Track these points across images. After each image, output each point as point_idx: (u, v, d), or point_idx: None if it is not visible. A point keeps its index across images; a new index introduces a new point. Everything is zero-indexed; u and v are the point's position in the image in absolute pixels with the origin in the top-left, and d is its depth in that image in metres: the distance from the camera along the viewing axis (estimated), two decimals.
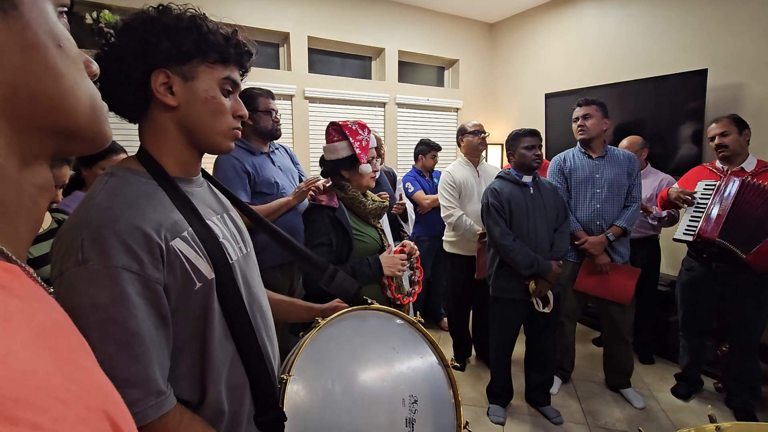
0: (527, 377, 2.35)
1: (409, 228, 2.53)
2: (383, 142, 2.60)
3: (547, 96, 3.86)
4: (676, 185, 2.37)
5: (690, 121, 2.97)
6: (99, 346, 0.53)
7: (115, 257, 0.56)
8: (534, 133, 2.11)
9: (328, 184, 1.55)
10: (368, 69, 4.15)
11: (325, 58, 3.87)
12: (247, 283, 0.74)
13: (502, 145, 4.52)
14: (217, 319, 0.66)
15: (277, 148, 2.17)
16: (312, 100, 3.58)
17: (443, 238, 2.78)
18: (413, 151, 3.25)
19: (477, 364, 2.83)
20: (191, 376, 0.65)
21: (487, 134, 2.63)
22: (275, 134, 2.04)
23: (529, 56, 4.27)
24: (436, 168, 3.25)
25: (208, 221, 0.69)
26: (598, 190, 2.30)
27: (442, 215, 2.62)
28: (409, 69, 4.33)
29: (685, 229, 2.21)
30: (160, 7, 0.66)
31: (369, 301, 1.00)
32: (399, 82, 4.06)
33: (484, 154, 4.46)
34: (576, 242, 2.32)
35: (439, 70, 4.62)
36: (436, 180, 3.06)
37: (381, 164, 2.56)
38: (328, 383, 0.84)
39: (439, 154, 3.22)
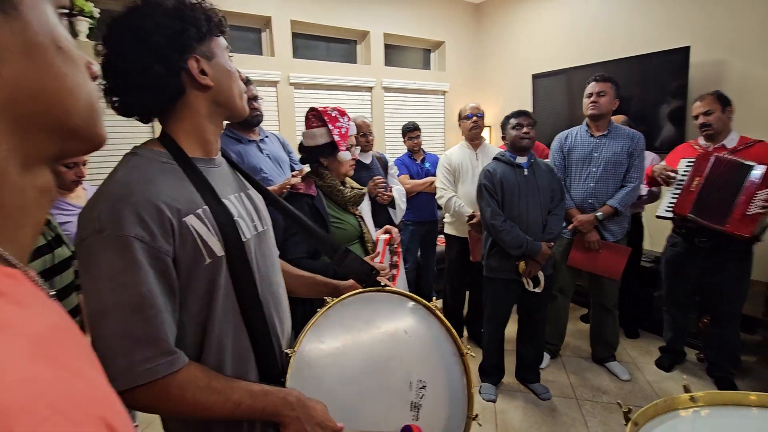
0: (518, 355, 2.41)
1: (396, 217, 2.54)
2: (371, 128, 2.58)
3: (534, 77, 3.86)
4: (663, 162, 2.40)
5: (674, 99, 2.99)
6: (114, 308, 0.59)
7: (128, 227, 0.60)
8: (521, 114, 2.12)
9: (303, 173, 1.54)
10: (353, 53, 4.09)
11: (309, 43, 3.80)
12: (259, 260, 0.77)
13: (489, 127, 4.53)
14: (222, 293, 0.69)
15: (267, 136, 2.16)
16: (297, 86, 3.53)
17: (444, 219, 2.81)
18: None
19: (468, 345, 2.87)
20: (194, 343, 0.69)
21: (477, 117, 2.60)
22: (253, 121, 2.02)
23: (516, 37, 4.25)
24: (428, 151, 3.26)
25: (224, 200, 0.73)
26: (594, 169, 2.32)
27: (436, 196, 2.70)
28: (394, 52, 4.28)
29: (667, 207, 2.25)
30: None
31: (383, 283, 0.99)
32: (385, 65, 4.02)
33: (485, 135, 4.49)
34: (568, 221, 2.36)
35: (425, 52, 4.58)
36: (427, 164, 3.06)
37: (359, 150, 2.56)
38: (332, 361, 0.85)
39: (426, 137, 3.22)
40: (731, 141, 2.19)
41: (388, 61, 4.12)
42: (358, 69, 3.89)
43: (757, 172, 1.98)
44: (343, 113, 1.41)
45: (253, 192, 0.87)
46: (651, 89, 3.11)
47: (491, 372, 2.37)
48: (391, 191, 2.53)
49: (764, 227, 2.03)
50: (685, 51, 2.87)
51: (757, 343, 2.69)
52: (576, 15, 3.70)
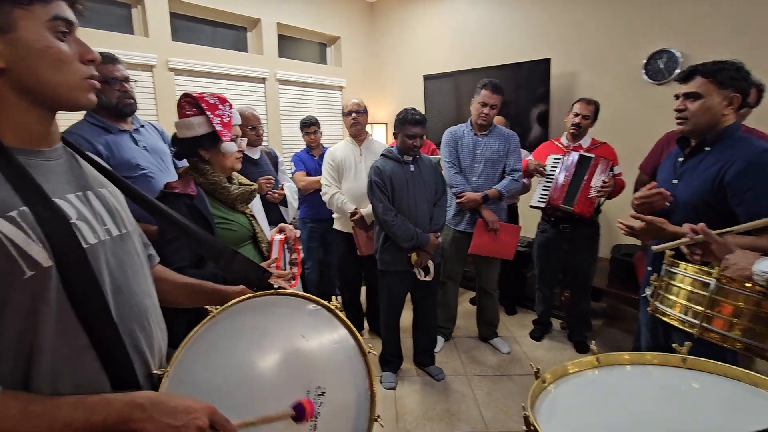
0: (414, 341, 2.55)
1: (288, 215, 2.47)
2: (260, 121, 2.45)
3: (425, 77, 4.07)
4: (531, 158, 2.73)
5: (540, 103, 3.43)
6: None
7: None
8: (420, 123, 2.13)
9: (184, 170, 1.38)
10: (244, 41, 3.84)
11: (192, 26, 3.47)
12: (111, 268, 0.67)
13: (386, 124, 4.67)
14: (53, 311, 0.58)
15: (142, 125, 1.91)
16: (178, 72, 3.20)
17: (333, 215, 2.80)
18: None
19: (370, 337, 2.96)
20: (16, 373, 0.57)
21: (358, 114, 2.56)
22: (125, 110, 1.76)
23: (408, 38, 4.43)
24: (327, 146, 3.22)
25: (58, 199, 0.62)
26: (476, 165, 2.53)
27: (321, 193, 2.66)
28: (289, 44, 4.13)
29: (539, 198, 2.58)
30: None
31: (276, 286, 0.91)
32: (279, 57, 3.86)
33: (381, 133, 4.56)
34: (457, 197, 2.52)
35: (321, 46, 4.51)
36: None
37: (245, 142, 2.42)
38: (216, 378, 0.77)
39: (324, 132, 3.17)
40: (586, 141, 2.60)
41: (283, 52, 3.97)
42: (250, 58, 3.68)
43: (602, 163, 2.40)
44: (223, 100, 1.28)
45: (109, 190, 0.76)
46: (522, 94, 3.51)
47: (391, 361, 2.46)
48: (282, 189, 2.46)
49: (598, 208, 2.48)
50: (547, 62, 3.30)
51: (603, 310, 3.26)
52: (460, 22, 4.00)
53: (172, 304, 0.95)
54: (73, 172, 0.70)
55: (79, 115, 1.77)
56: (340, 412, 0.87)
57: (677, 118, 1.45)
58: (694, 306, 1.03)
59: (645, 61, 2.98)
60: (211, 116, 1.25)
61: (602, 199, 2.45)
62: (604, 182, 2.38)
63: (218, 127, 1.25)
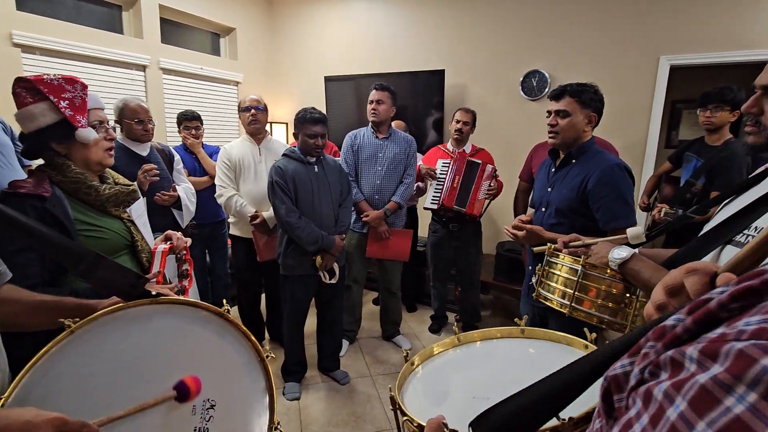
0: (319, 347, 2.49)
1: (183, 220, 2.23)
2: (150, 114, 2.16)
3: (327, 79, 4.04)
4: (421, 163, 2.89)
5: (435, 111, 3.65)
6: None
7: None
8: (320, 122, 2.08)
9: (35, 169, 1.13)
10: (118, 21, 3.36)
11: None
12: None
13: (286, 124, 4.51)
14: None
15: None
16: (27, 49, 2.65)
17: (229, 220, 2.59)
18: None
19: (271, 346, 2.81)
20: None
21: (258, 111, 2.42)
22: None
23: (310, 36, 4.35)
24: (214, 144, 2.96)
25: None
26: (379, 168, 2.57)
27: (215, 195, 2.45)
28: (175, 30, 3.74)
29: (431, 200, 2.73)
30: None
31: (154, 292, 0.79)
32: (163, 43, 3.46)
33: (282, 133, 4.37)
34: (361, 216, 2.57)
35: (213, 36, 4.18)
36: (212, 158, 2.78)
37: (119, 130, 2.13)
38: (79, 404, 0.66)
39: (217, 129, 2.93)
40: (468, 147, 2.85)
41: (167, 38, 3.57)
42: (126, 41, 3.22)
43: (488, 168, 2.64)
44: (72, 80, 1.07)
45: None
46: (420, 101, 3.70)
47: (294, 370, 2.37)
48: (174, 190, 2.21)
49: (485, 209, 2.72)
50: (441, 73, 3.53)
51: (490, 301, 3.59)
52: (361, 26, 4.06)
53: (28, 328, 0.81)
54: None
55: None
56: (232, 425, 0.82)
57: (549, 132, 1.65)
58: (568, 290, 1.18)
59: (521, 78, 3.38)
60: (56, 100, 1.04)
61: (488, 202, 2.69)
62: (490, 186, 2.63)
63: (68, 112, 1.05)
